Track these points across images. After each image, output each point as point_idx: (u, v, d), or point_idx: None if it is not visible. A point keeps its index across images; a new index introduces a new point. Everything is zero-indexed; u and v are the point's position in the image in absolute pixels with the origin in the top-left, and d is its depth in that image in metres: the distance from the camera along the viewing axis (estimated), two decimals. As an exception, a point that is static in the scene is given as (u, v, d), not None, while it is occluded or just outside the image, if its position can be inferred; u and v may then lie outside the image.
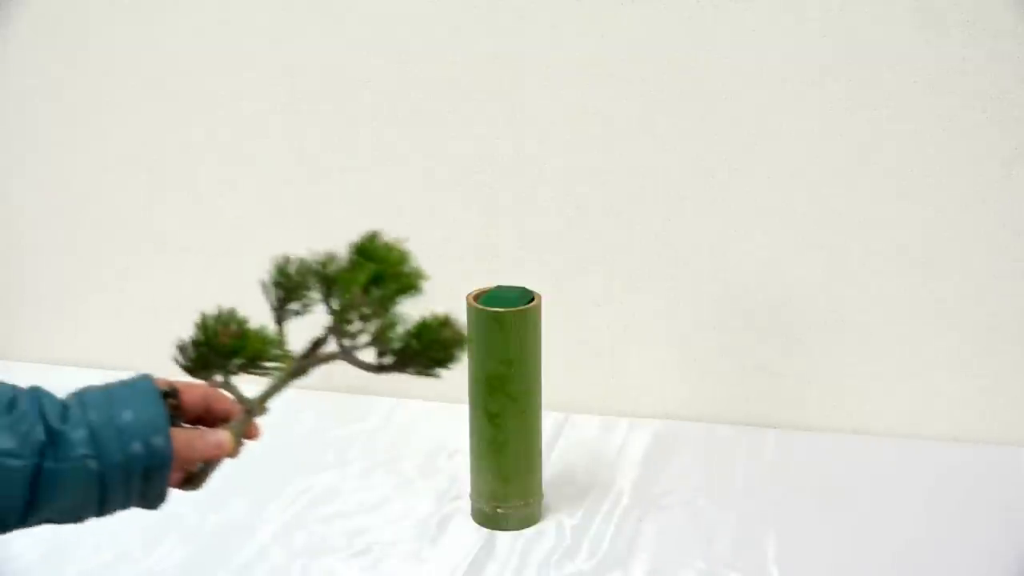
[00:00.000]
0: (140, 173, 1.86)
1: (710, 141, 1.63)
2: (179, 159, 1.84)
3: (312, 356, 0.90)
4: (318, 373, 1.76)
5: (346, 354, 0.89)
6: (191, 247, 1.87)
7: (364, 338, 0.89)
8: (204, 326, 0.88)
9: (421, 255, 1.85)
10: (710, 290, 1.69)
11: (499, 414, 1.41)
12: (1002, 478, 1.54)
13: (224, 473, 1.57)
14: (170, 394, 0.93)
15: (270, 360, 0.90)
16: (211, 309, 0.90)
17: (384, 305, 0.88)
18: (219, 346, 0.89)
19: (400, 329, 0.88)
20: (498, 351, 1.40)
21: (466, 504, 1.49)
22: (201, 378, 0.92)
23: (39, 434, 0.86)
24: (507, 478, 1.44)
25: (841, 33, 1.55)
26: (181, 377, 0.93)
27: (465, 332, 0.92)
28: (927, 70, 1.54)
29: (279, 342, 0.90)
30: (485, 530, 1.44)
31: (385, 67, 1.72)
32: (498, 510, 1.44)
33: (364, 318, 0.88)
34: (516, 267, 1.72)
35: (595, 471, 1.58)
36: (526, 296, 1.42)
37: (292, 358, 0.90)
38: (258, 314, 0.91)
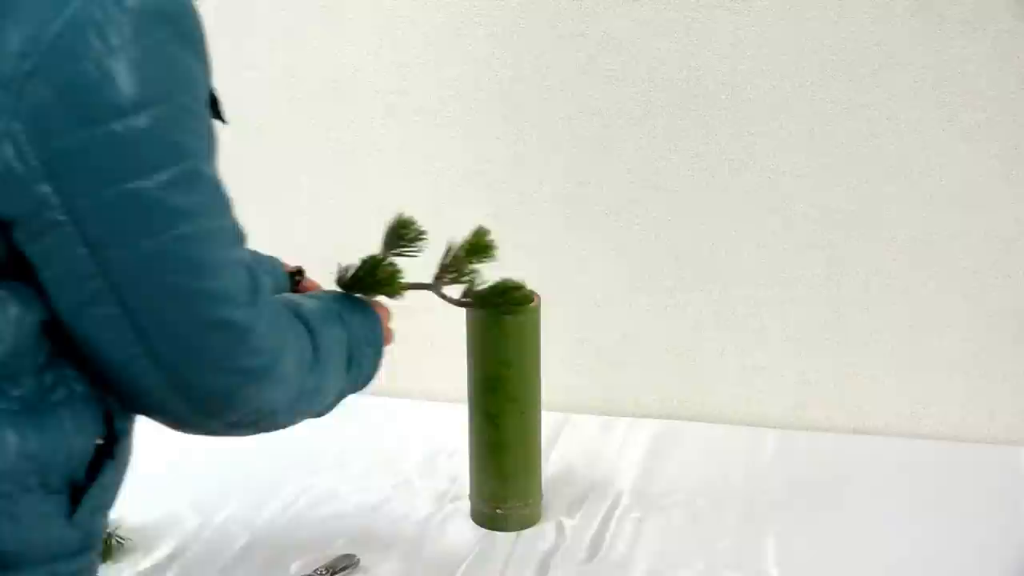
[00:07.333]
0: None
1: (710, 141, 1.63)
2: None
3: (419, 284, 1.29)
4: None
5: (436, 288, 1.31)
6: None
7: (455, 285, 1.32)
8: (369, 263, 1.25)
9: (421, 255, 1.84)
10: (710, 290, 1.69)
11: (498, 415, 1.41)
12: (1002, 478, 1.54)
13: (224, 473, 1.57)
14: (297, 272, 1.35)
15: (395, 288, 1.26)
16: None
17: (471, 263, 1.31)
18: (371, 279, 1.25)
19: (478, 282, 1.32)
20: (497, 351, 1.39)
21: (466, 505, 1.49)
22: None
23: None
24: (507, 479, 1.44)
25: (841, 33, 1.55)
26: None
27: (532, 296, 1.38)
28: (927, 70, 1.54)
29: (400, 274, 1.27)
30: (484, 531, 1.44)
31: (386, 68, 1.72)
32: (498, 511, 1.44)
33: (459, 272, 1.31)
34: (516, 267, 1.72)
35: (595, 471, 1.58)
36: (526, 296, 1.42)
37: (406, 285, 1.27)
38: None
